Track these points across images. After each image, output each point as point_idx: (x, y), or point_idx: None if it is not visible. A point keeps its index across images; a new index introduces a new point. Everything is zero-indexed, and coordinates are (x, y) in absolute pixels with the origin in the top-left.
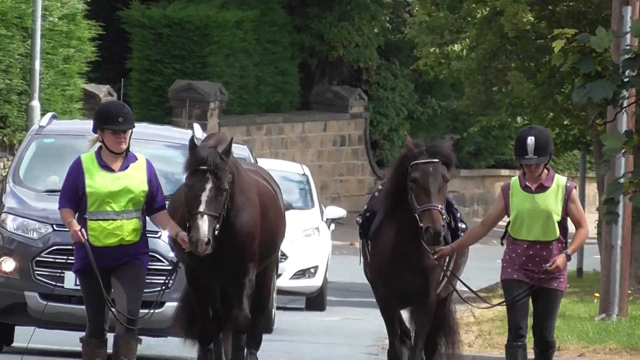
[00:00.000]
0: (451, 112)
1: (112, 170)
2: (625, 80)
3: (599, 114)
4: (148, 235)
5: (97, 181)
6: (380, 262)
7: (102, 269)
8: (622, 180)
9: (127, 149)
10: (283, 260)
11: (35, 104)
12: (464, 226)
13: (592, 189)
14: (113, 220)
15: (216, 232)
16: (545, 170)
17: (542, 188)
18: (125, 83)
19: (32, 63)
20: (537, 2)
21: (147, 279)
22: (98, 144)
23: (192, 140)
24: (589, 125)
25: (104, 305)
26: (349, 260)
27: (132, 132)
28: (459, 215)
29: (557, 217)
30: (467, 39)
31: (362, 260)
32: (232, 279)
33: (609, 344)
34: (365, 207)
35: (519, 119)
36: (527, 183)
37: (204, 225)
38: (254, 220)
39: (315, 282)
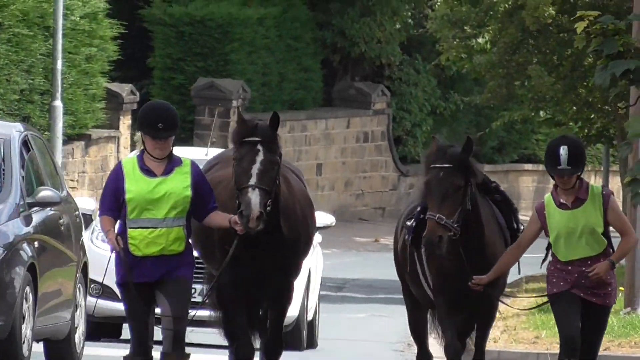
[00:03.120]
0: (474, 107)
1: (153, 175)
2: None
3: (619, 97)
4: None
5: (137, 186)
6: (442, 267)
7: (144, 280)
8: None
9: (171, 152)
10: None
11: (58, 103)
12: (522, 227)
13: (615, 182)
14: (154, 228)
15: (268, 208)
16: (579, 181)
17: (578, 202)
18: (147, 82)
19: (54, 63)
20: None
21: None
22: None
23: (239, 111)
24: (611, 118)
25: (147, 321)
26: (373, 257)
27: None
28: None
29: (600, 229)
30: (489, 33)
31: (407, 267)
32: (273, 293)
33: (634, 338)
34: (418, 208)
35: (541, 113)
36: (561, 200)
37: (255, 198)
38: (299, 222)
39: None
